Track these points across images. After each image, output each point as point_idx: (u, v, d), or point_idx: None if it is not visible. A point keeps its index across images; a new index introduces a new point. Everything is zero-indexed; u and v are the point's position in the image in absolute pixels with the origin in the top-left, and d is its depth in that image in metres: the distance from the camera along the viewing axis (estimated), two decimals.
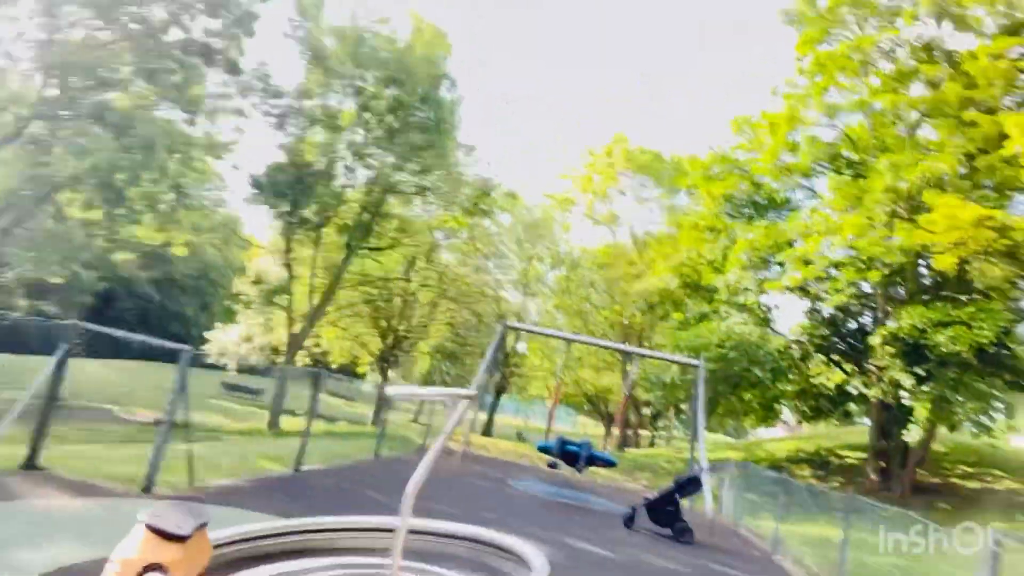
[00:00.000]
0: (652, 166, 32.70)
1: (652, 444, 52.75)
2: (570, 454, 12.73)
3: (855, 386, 22.84)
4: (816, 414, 28.67)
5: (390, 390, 4.24)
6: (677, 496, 10.56)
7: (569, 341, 14.62)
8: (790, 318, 47.42)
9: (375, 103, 21.48)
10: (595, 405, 46.12)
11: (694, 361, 13.71)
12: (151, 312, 57.60)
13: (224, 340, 38.75)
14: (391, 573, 3.53)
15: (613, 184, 34.54)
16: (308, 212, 21.73)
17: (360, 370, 30.56)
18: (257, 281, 23.35)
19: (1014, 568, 5.50)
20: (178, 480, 7.18)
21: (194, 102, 21.70)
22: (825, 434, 35.07)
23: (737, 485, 15.54)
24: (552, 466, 12.60)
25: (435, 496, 9.67)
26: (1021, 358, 19.63)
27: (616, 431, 38.36)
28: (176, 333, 52.61)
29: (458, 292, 28.68)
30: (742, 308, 23.19)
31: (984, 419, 21.34)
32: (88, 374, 27.46)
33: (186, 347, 7.62)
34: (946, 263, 16.51)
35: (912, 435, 21.11)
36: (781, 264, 22.01)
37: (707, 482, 12.03)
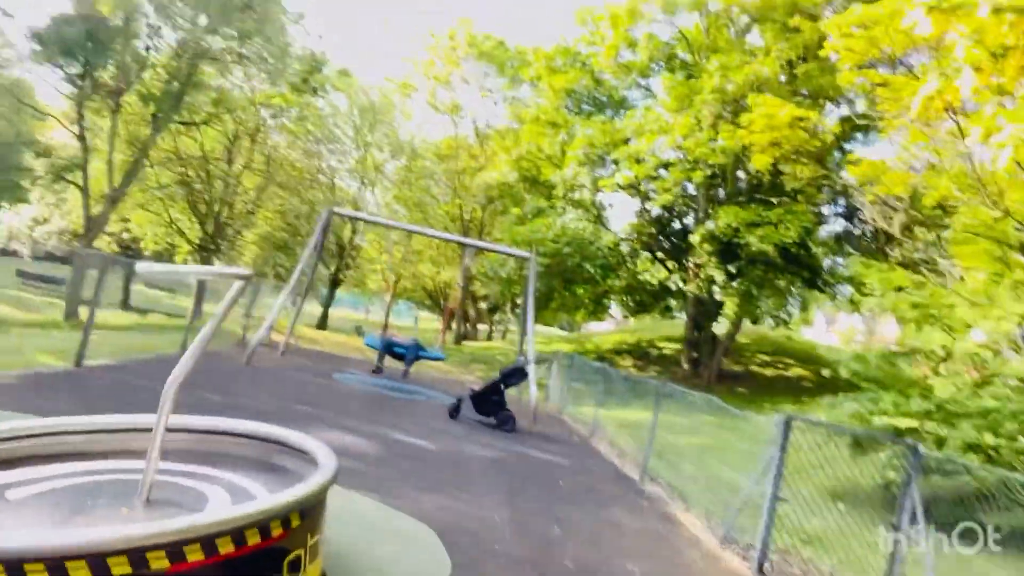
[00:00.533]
0: (496, 54, 31.59)
1: (490, 338, 54.28)
2: (396, 354, 12.43)
3: (675, 282, 24.34)
4: (641, 308, 30.46)
5: (140, 265, 3.48)
6: (502, 386, 10.62)
7: (392, 228, 13.91)
8: (622, 217, 49.60)
9: None
10: (434, 299, 46.25)
11: (525, 254, 13.65)
12: None
13: (14, 222, 34.13)
14: (145, 477, 2.96)
15: (456, 70, 33.17)
16: (104, 76, 18.84)
17: (179, 259, 28.06)
18: (45, 154, 20.20)
19: (798, 444, 5.90)
20: None
21: None
22: (647, 327, 37.64)
23: (563, 375, 16.12)
24: (376, 371, 12.28)
25: (243, 390, 9.01)
26: (818, 258, 21.67)
27: (454, 325, 38.81)
28: None
29: (287, 177, 26.68)
30: (577, 205, 23.57)
31: (782, 313, 23.63)
32: None
33: None
34: (762, 162, 17.44)
35: (720, 327, 22.98)
36: (616, 162, 22.41)
37: (532, 373, 12.26)
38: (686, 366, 24.26)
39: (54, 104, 22.33)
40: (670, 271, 25.85)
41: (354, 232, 32.30)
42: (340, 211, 13.51)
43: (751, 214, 19.27)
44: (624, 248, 27.55)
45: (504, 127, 33.43)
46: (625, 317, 35.61)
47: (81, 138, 19.21)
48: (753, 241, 18.99)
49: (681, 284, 22.63)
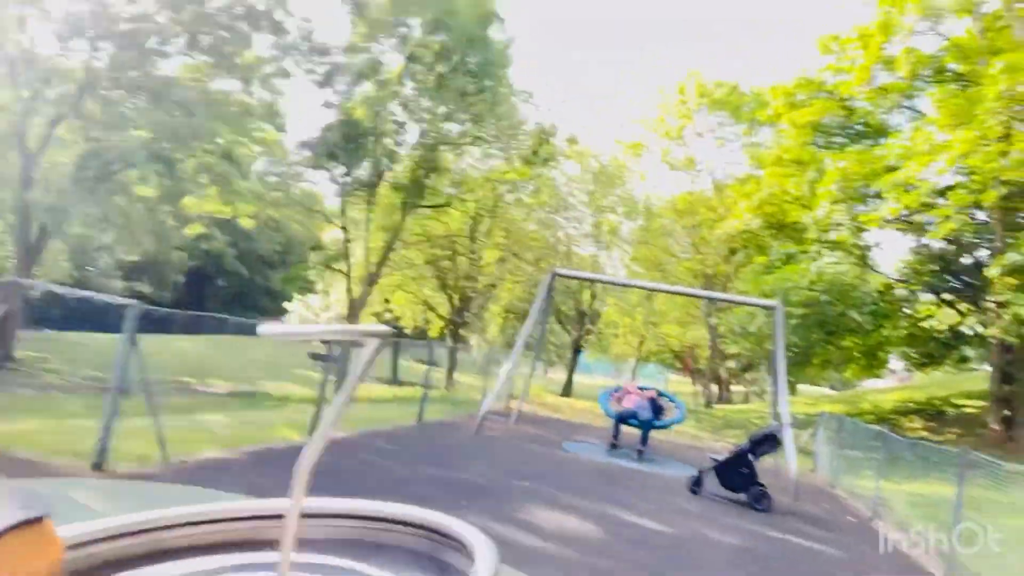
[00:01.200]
0: (730, 100, 30.09)
1: (747, 400, 50.50)
2: (633, 425, 11.46)
3: (971, 326, 20.26)
4: (927, 360, 26.04)
5: (261, 328, 3.09)
6: (751, 456, 9.12)
7: (616, 285, 13.04)
8: (893, 257, 43.58)
9: (421, 51, 20.34)
10: (682, 361, 44.29)
11: (770, 303, 11.97)
12: (244, 289, 59.75)
13: (303, 311, 39.26)
14: (280, 572, 2.42)
15: (688, 124, 32.16)
16: (360, 172, 21.02)
17: (432, 333, 30.04)
18: (316, 247, 22.94)
19: None
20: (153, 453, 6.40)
21: (246, 68, 21.26)
22: (938, 382, 32.03)
23: (832, 441, 13.84)
24: (613, 446, 11.39)
25: (461, 462, 8.65)
26: None
27: (700, 386, 36.52)
28: (267, 308, 54.20)
29: (524, 248, 27.42)
30: (835, 247, 20.85)
31: None
32: (175, 350, 28.25)
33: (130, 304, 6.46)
34: None
35: None
36: (879, 196, 19.52)
37: (789, 439, 10.50)
38: (996, 427, 19.77)
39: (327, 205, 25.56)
40: (962, 314, 21.67)
41: (593, 297, 32.08)
42: (563, 272, 13.16)
43: None
44: (900, 292, 23.89)
45: (744, 175, 31.50)
46: (908, 371, 30.64)
47: (344, 229, 21.45)
48: None
49: (980, 329, 18.70)
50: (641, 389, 12.49)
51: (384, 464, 7.65)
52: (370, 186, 20.97)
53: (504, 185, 26.04)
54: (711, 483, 9.21)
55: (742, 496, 9.00)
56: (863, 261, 22.74)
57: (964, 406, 25.31)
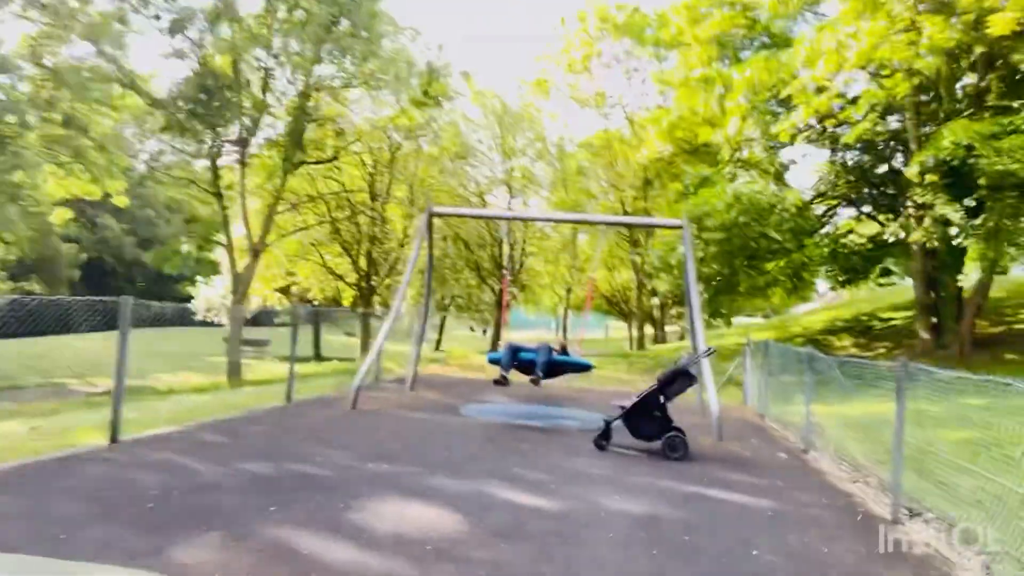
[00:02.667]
0: (633, 23, 28.48)
1: (682, 337, 50.26)
2: (525, 363, 9.90)
3: (893, 234, 19.55)
4: (851, 277, 25.53)
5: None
6: (662, 398, 7.71)
7: (503, 219, 11.24)
8: (808, 176, 43.10)
9: None
10: (615, 305, 43.49)
11: (675, 222, 10.47)
12: (152, 280, 55.66)
13: (209, 294, 36.45)
14: None
15: (593, 55, 30.44)
16: (228, 130, 18.63)
17: (345, 303, 27.98)
18: (191, 220, 20.49)
19: None
20: None
21: (92, 28, 18.39)
22: (864, 299, 31.92)
23: (761, 369, 12.69)
24: (499, 382, 9.79)
25: (321, 446, 6.95)
26: None
27: (635, 331, 35.70)
28: (183, 296, 50.38)
29: (431, 201, 25.40)
30: (749, 166, 19.74)
31: None
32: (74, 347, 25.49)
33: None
34: (1004, 26, 12.87)
35: (968, 280, 17.95)
36: (788, 103, 18.33)
37: (708, 371, 9.16)
38: (926, 336, 19.25)
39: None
40: (883, 224, 21.01)
41: (512, 246, 30.47)
42: (440, 209, 11.36)
43: (988, 125, 14.51)
44: (819, 210, 23.12)
45: (657, 107, 30.14)
46: (833, 290, 30.29)
47: (217, 196, 19.09)
48: (996, 160, 14.21)
49: (902, 235, 17.90)
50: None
51: (192, 467, 5.87)
52: (241, 144, 18.59)
53: (400, 134, 23.92)
54: (621, 435, 7.79)
55: (657, 445, 7.61)
56: (779, 180, 21.76)
57: (891, 319, 25.00)
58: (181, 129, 18.33)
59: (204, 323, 39.47)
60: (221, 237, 19.68)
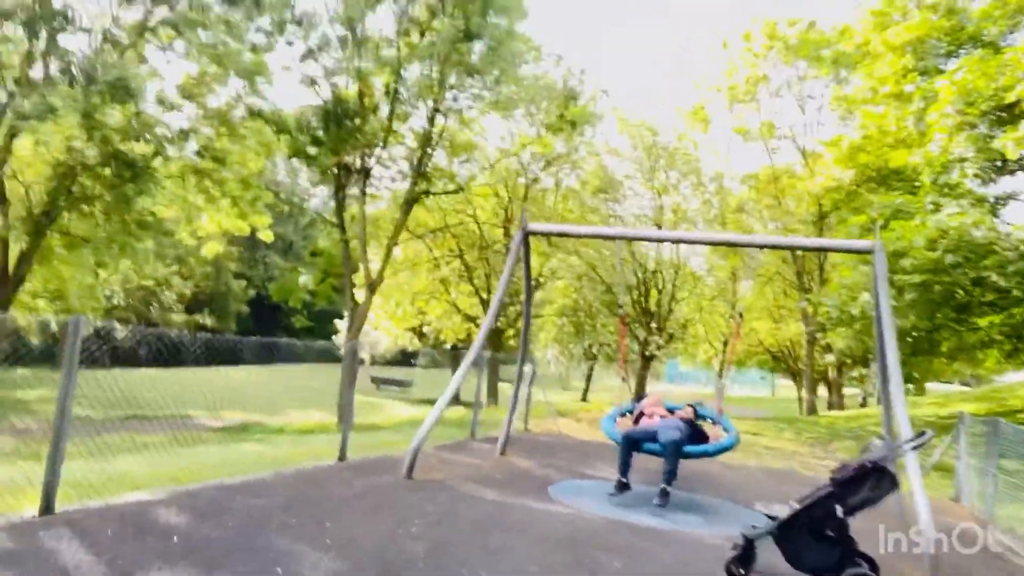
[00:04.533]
0: (807, 42, 25.02)
1: (863, 403, 44.05)
2: (651, 451, 7.27)
3: None
4: None
5: None
6: (838, 508, 4.80)
7: (618, 239, 8.55)
8: None
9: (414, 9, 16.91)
10: (782, 362, 38.79)
11: (864, 244, 7.37)
12: (316, 316, 58.06)
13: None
14: None
15: (761, 81, 27.22)
16: (353, 158, 17.69)
17: None
18: (316, 252, 19.77)
19: None
20: None
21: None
22: None
23: (983, 455, 9.11)
24: (620, 489, 7.18)
25: (345, 531, 4.81)
26: None
27: (805, 393, 31.02)
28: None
29: (527, 217, 23.21)
30: (957, 193, 15.68)
31: None
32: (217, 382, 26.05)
33: None
34: None
35: None
36: (1014, 110, 14.28)
37: (914, 466, 5.98)
38: None
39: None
40: None
41: (660, 291, 27.47)
42: (538, 227, 9.05)
43: None
44: None
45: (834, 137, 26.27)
46: None
47: (340, 227, 18.17)
48: None
49: None
50: (671, 411, 8.22)
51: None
52: (363, 173, 17.61)
53: (537, 164, 22.11)
54: (772, 555, 4.97)
55: None
56: (994, 213, 17.36)
57: None
58: (306, 158, 17.69)
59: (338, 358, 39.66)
60: (343, 269, 18.75)
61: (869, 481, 4.80)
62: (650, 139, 26.46)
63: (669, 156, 27.04)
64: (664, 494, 6.94)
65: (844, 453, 17.66)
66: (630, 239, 8.79)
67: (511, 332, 27.03)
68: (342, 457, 8.16)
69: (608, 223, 25.89)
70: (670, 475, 7.03)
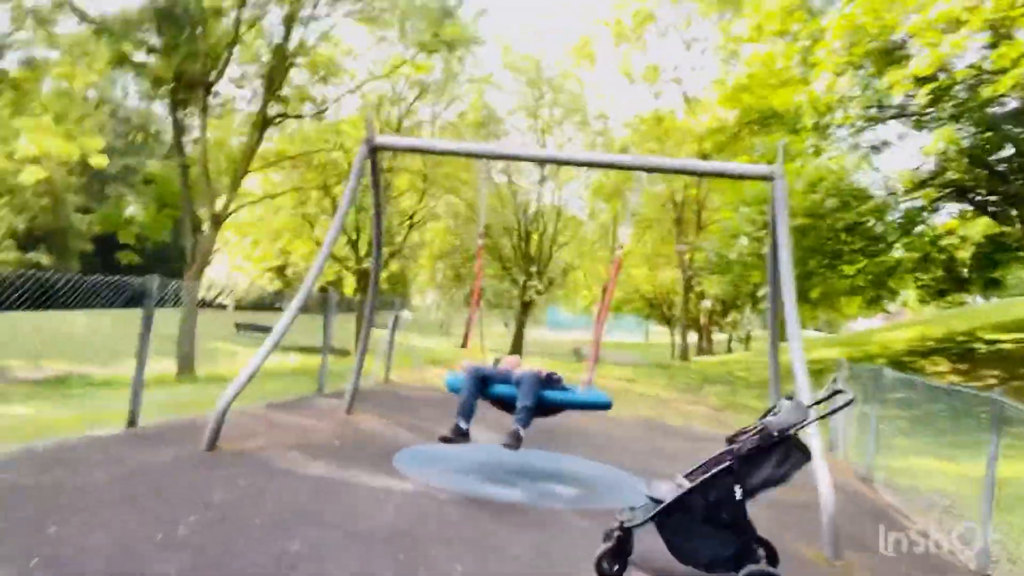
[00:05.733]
0: None
1: (729, 349, 45.86)
2: (500, 400, 5.99)
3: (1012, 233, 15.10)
4: (948, 288, 20.97)
5: None
6: (739, 489, 3.75)
7: (478, 156, 7.26)
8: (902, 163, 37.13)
9: None
10: (657, 308, 39.29)
11: (764, 169, 6.49)
12: (170, 254, 53.16)
13: (212, 273, 33.45)
14: None
15: (647, 20, 26.29)
16: (191, 66, 15.13)
17: (348, 290, 24.44)
18: (148, 180, 17.07)
19: None
20: None
21: None
22: (958, 316, 27.08)
23: (861, 403, 8.57)
24: (449, 439, 5.85)
25: (66, 536, 3.21)
26: None
27: (678, 338, 31.40)
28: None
29: (447, 176, 21.65)
30: (837, 137, 15.43)
31: None
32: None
33: None
34: None
35: None
36: (898, 54, 13.96)
37: (816, 435, 5.04)
38: None
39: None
40: (1002, 221, 16.61)
41: (541, 235, 26.52)
42: (385, 140, 7.47)
43: None
44: (916, 204, 18.64)
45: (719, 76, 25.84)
46: (923, 303, 25.49)
47: (179, 150, 15.67)
48: None
49: None
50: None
51: None
52: (204, 86, 15.13)
53: (412, 92, 20.17)
54: (651, 543, 3.86)
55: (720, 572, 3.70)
56: (868, 163, 17.41)
57: (997, 341, 20.32)
58: (134, 66, 14.98)
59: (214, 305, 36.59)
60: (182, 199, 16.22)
61: (775, 454, 3.75)
62: (534, 73, 25.03)
63: (554, 91, 25.78)
64: (515, 436, 5.64)
65: (716, 398, 17.56)
66: (496, 157, 7.47)
67: (385, 274, 25.33)
68: (132, 422, 6.42)
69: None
70: (524, 413, 5.71)
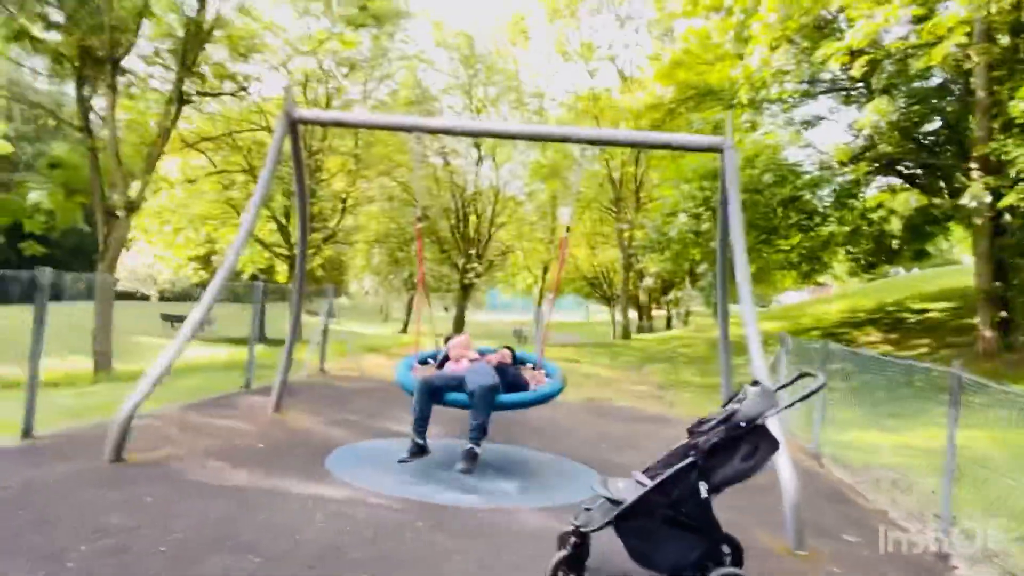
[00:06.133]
0: None
1: (669, 325, 46.42)
2: (450, 401, 5.58)
3: (946, 210, 15.46)
4: (879, 260, 21.49)
5: None
6: (704, 486, 3.44)
7: (422, 131, 6.76)
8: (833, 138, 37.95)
9: None
10: (597, 288, 39.37)
11: (715, 140, 6.24)
12: (91, 245, 50.51)
13: (132, 263, 31.81)
14: None
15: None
16: (96, 41, 13.95)
17: (280, 278, 23.47)
18: (55, 164, 15.80)
19: None
20: None
21: None
22: (888, 287, 27.95)
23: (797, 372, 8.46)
24: (407, 460, 5.42)
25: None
26: None
27: (619, 316, 31.52)
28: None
29: (381, 159, 20.89)
30: (773, 110, 15.46)
31: None
32: None
33: None
34: None
35: None
36: (831, 27, 14.02)
37: (778, 420, 4.81)
38: (989, 334, 15.14)
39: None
40: (930, 191, 17.01)
41: (478, 216, 26.05)
42: (306, 114, 6.90)
43: None
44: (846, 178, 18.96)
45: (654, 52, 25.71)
46: (854, 275, 26.16)
47: (86, 131, 14.48)
48: None
49: (969, 202, 13.67)
50: (483, 355, 6.48)
51: None
52: (112, 61, 13.99)
53: (341, 71, 19.29)
54: (608, 546, 3.51)
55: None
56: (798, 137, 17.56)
57: (925, 311, 20.99)
58: (31, 40, 13.71)
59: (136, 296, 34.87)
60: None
61: (742, 447, 3.45)
62: (467, 50, 24.39)
63: (488, 69, 25.21)
64: (471, 456, 5.33)
65: (658, 376, 17.56)
66: (426, 131, 6.95)
67: (320, 260, 24.45)
68: (27, 432, 5.73)
69: (423, 141, 23.74)
70: (479, 431, 5.43)
